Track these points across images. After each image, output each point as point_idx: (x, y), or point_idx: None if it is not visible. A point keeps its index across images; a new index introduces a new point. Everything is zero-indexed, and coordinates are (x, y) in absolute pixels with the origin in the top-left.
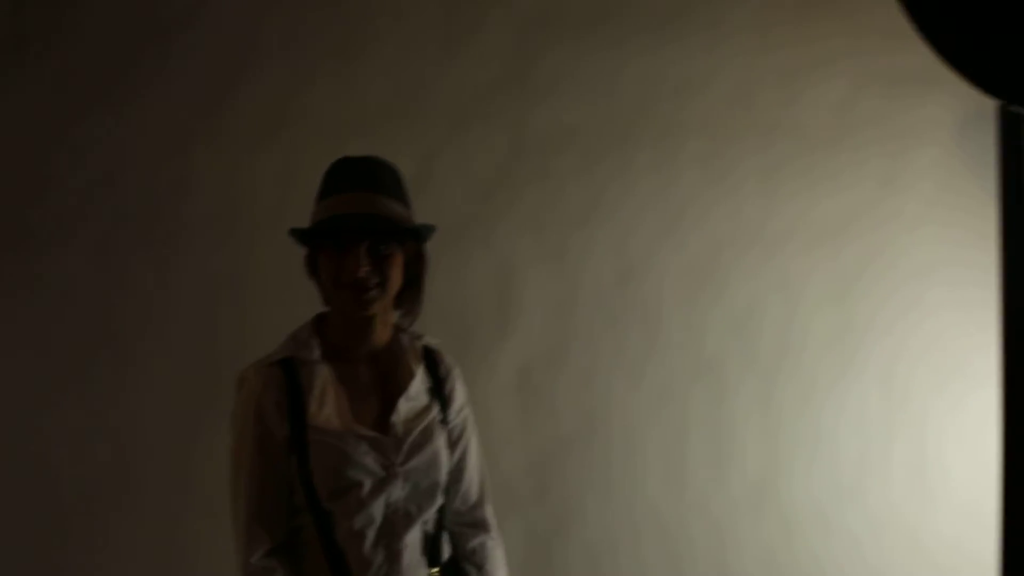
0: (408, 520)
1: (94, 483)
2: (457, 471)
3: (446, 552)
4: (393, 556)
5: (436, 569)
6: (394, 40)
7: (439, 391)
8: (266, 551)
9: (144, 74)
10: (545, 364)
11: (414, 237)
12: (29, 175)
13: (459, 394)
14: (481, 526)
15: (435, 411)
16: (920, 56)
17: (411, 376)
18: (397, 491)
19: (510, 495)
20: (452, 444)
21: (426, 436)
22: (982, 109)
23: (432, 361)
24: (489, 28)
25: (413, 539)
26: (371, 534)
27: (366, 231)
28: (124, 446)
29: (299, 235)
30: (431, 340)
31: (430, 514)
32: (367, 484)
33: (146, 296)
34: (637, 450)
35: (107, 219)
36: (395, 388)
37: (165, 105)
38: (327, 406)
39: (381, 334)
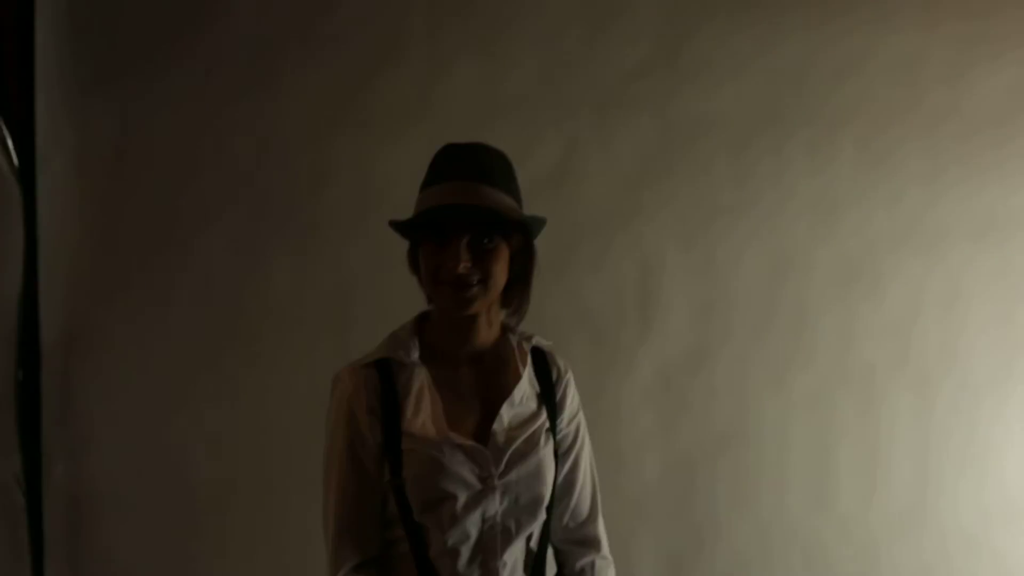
0: (507, 537)
1: (228, 483)
2: (567, 484)
3: (551, 572)
4: (490, 575)
5: None
6: (537, 23)
7: (549, 397)
8: (354, 566)
9: (286, 65)
10: (687, 367)
11: (521, 230)
12: (176, 166)
13: (572, 400)
14: (591, 544)
15: (543, 419)
16: None
17: (517, 380)
18: (495, 505)
19: (643, 506)
20: (562, 455)
21: (530, 446)
22: None
23: (543, 364)
24: (636, 8)
25: (513, 557)
26: (466, 551)
27: (467, 223)
28: (259, 444)
29: (398, 227)
30: (543, 341)
31: (533, 530)
32: (461, 497)
33: (282, 290)
34: (780, 462)
35: (246, 210)
36: (499, 393)
37: (306, 96)
38: (423, 411)
39: (485, 335)
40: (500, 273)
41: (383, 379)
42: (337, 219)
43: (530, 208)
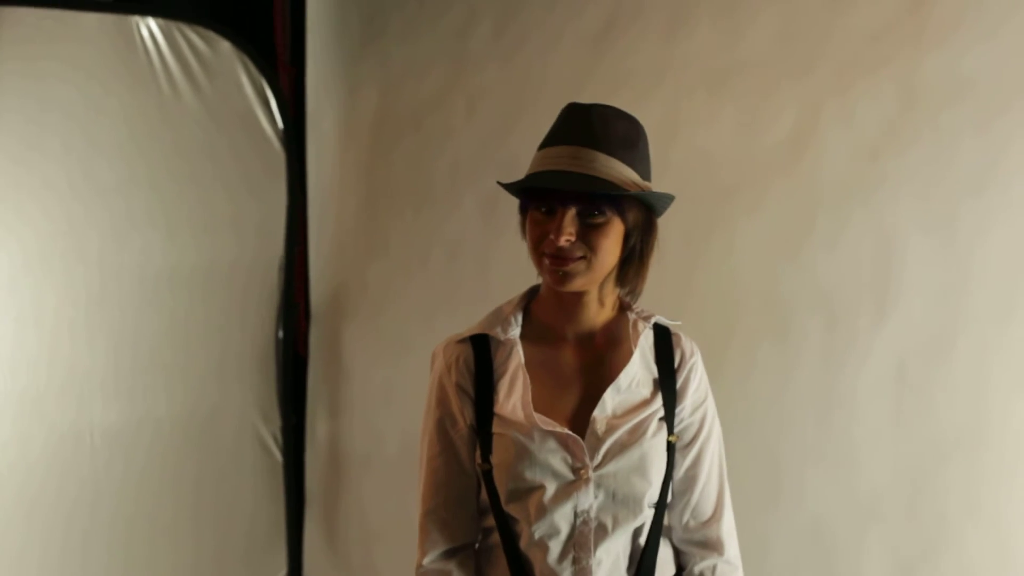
0: (602, 533)
1: None
2: (687, 480)
3: (667, 574)
4: (583, 573)
5: None
6: None
7: (668, 383)
8: (442, 552)
9: (531, 27)
10: (926, 356)
11: (639, 205)
12: (432, 129)
13: (697, 388)
14: (714, 546)
15: (656, 407)
16: None
17: (627, 363)
18: (588, 499)
19: (873, 507)
20: (682, 448)
21: (635, 436)
22: None
23: (665, 346)
24: None
25: (611, 554)
26: (556, 546)
27: (575, 194)
28: None
29: (509, 190)
30: (666, 320)
31: (640, 526)
32: (550, 488)
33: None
34: (1020, 466)
35: (496, 173)
36: (607, 377)
37: (548, 58)
38: (515, 393)
39: (595, 313)
40: (608, 250)
41: (479, 356)
42: None
43: (764, 177)
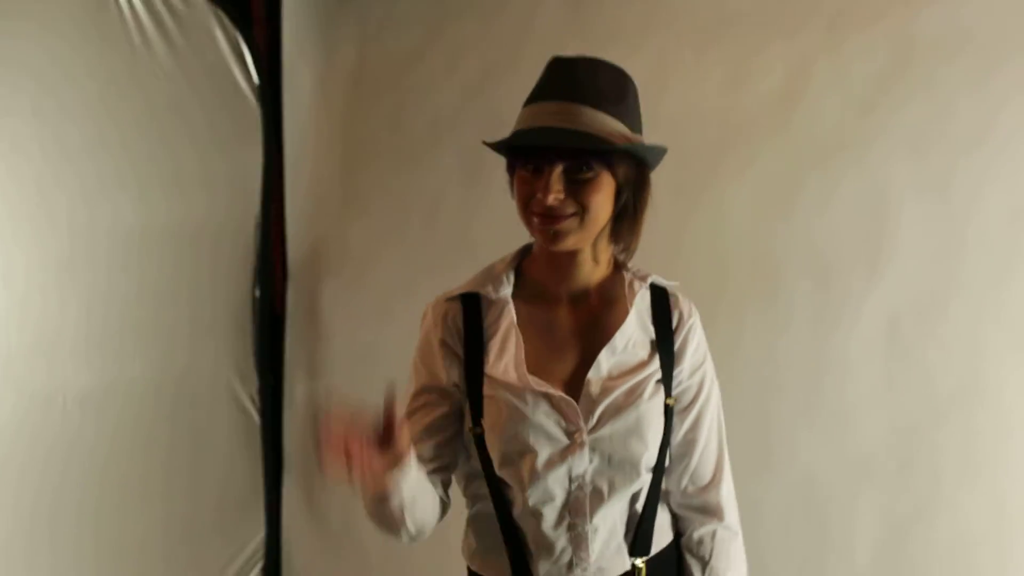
0: (598, 498)
1: None
2: (685, 444)
3: (664, 539)
4: (579, 540)
5: (642, 560)
6: None
7: (666, 344)
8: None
9: None
10: (919, 315)
11: (629, 159)
12: (407, 84)
13: (696, 349)
14: (713, 512)
15: (653, 368)
16: None
17: (623, 323)
18: (583, 463)
19: (867, 467)
20: (680, 411)
21: (631, 398)
22: None
23: (662, 306)
24: None
25: (608, 520)
26: (551, 512)
27: (562, 150)
28: None
29: (495, 149)
30: (663, 280)
31: (638, 491)
32: (544, 452)
33: (508, 210)
34: (1016, 429)
35: (475, 129)
36: (602, 337)
37: (530, 12)
38: (507, 354)
39: (589, 272)
40: (600, 207)
41: (470, 315)
42: None
43: (752, 133)
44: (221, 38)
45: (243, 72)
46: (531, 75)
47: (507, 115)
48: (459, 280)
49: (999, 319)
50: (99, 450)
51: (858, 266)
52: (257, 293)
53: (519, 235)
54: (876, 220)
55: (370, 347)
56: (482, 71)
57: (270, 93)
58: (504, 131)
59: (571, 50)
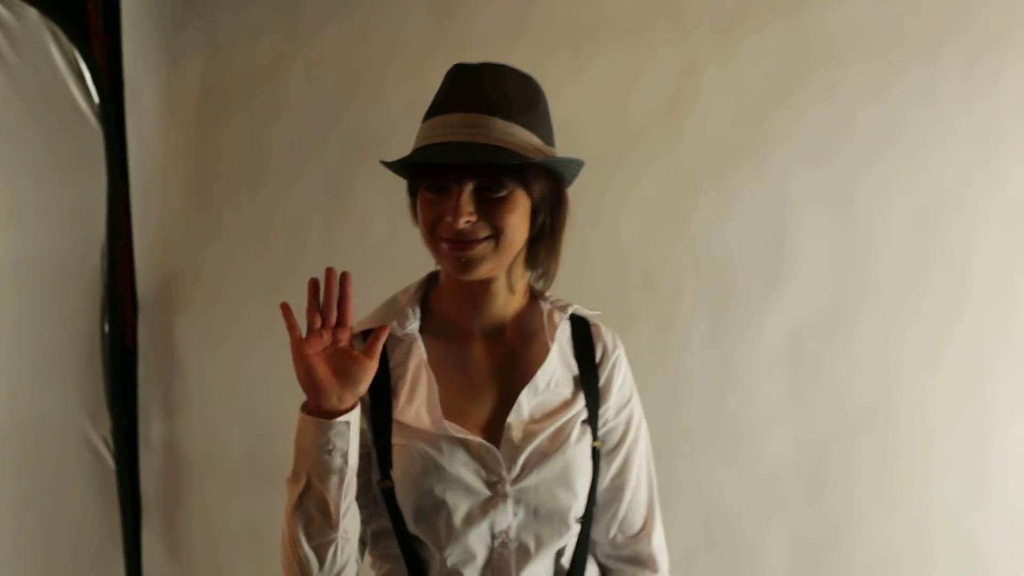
0: (524, 555)
1: None
2: (613, 489)
3: None
4: None
5: None
6: None
7: (590, 380)
8: None
9: None
10: (823, 329)
11: (545, 175)
12: (263, 98)
13: (622, 384)
14: (645, 563)
15: (578, 408)
16: None
17: (544, 359)
18: (507, 517)
19: (774, 490)
20: (607, 453)
21: (557, 443)
22: None
23: (584, 338)
24: None
25: None
26: (472, 573)
27: (470, 167)
28: None
29: (393, 169)
30: (584, 310)
31: (563, 545)
32: (463, 506)
33: (380, 231)
34: (934, 445)
35: (338, 147)
36: (522, 376)
37: (393, 22)
38: (418, 397)
39: (504, 302)
40: (515, 228)
41: None
42: None
43: (641, 143)
44: (56, 54)
45: (82, 91)
46: (392, 83)
47: (368, 126)
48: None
49: (911, 334)
50: None
51: (759, 280)
52: (106, 328)
53: (397, 259)
54: (776, 232)
55: (229, 380)
56: (341, 81)
57: (112, 112)
58: (365, 144)
59: (435, 54)
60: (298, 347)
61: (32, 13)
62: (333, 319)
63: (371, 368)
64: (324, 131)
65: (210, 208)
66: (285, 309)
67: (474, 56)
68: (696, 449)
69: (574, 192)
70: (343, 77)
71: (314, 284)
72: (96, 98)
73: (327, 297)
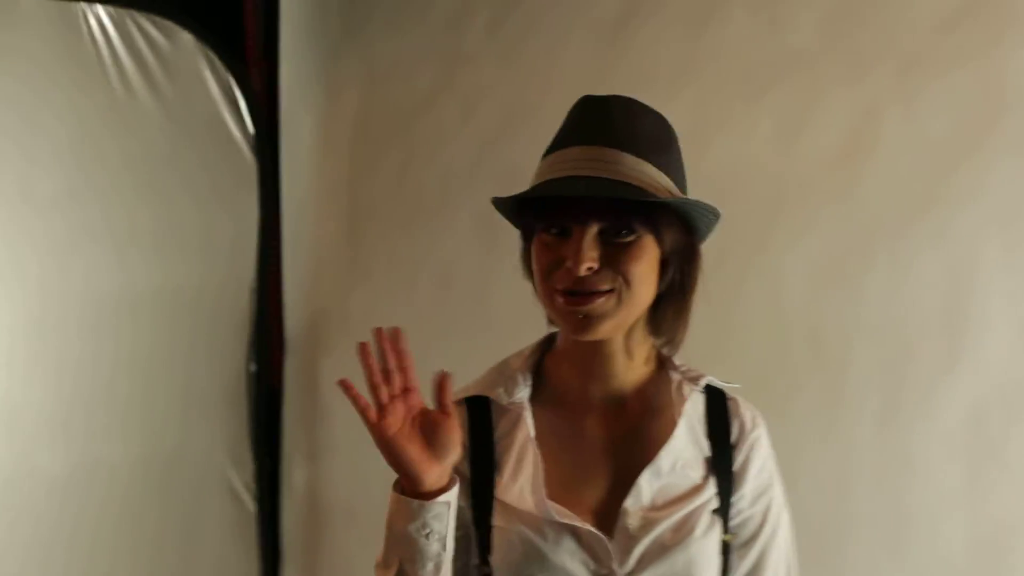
0: None
1: None
2: None
3: None
4: None
5: None
6: None
7: (723, 463)
8: None
9: (537, 8)
10: (1009, 408)
11: (678, 221)
12: (419, 134)
13: (761, 469)
14: None
15: (709, 495)
16: None
17: (669, 438)
18: None
19: None
20: (740, 547)
21: (680, 535)
22: None
23: (719, 415)
24: None
25: None
26: None
27: (597, 206)
28: None
29: (503, 209)
30: (720, 382)
31: None
32: None
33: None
34: None
35: (492, 185)
36: (644, 455)
37: (553, 57)
38: (522, 474)
39: (624, 369)
40: (642, 280)
41: (477, 424)
42: None
43: (809, 194)
44: (211, 81)
45: (236, 119)
46: (554, 123)
47: (528, 169)
48: (473, 353)
49: None
50: (76, 544)
51: (939, 351)
52: (253, 367)
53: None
54: (960, 298)
55: None
56: (500, 119)
57: (267, 144)
58: (524, 187)
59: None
60: (378, 431)
61: (187, 38)
62: (398, 387)
63: (454, 427)
64: (481, 172)
65: (361, 247)
66: (346, 386)
67: (640, 96)
68: (862, 537)
69: (733, 247)
70: (502, 115)
71: (365, 349)
72: (251, 128)
73: (384, 362)
